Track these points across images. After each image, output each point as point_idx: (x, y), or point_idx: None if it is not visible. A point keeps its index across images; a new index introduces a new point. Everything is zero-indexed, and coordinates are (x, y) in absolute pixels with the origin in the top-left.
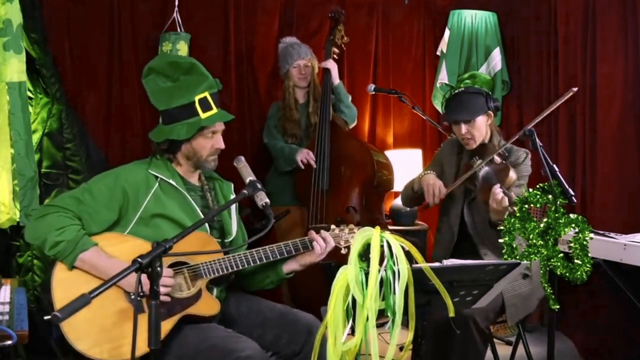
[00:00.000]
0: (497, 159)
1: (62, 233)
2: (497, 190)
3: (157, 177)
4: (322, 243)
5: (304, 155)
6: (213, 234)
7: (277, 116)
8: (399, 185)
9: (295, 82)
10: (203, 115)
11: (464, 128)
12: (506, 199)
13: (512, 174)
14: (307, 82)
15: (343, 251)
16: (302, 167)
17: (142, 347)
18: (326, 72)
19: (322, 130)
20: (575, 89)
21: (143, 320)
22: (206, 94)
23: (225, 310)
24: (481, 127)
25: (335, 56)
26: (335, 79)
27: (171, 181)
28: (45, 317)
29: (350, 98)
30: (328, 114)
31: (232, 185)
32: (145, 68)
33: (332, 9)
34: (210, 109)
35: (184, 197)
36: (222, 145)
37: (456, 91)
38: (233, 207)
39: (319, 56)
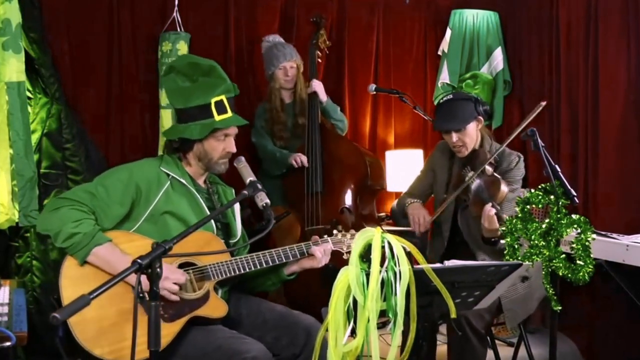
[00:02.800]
0: (489, 169)
1: (78, 225)
2: (489, 209)
3: (168, 175)
4: (319, 254)
5: (297, 158)
6: (218, 235)
7: (264, 117)
8: (392, 185)
9: (281, 84)
10: (218, 118)
11: (455, 136)
12: (495, 220)
13: (504, 188)
14: (292, 84)
15: (345, 256)
16: (296, 166)
17: (146, 350)
18: (313, 94)
19: (311, 133)
20: (543, 103)
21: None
22: (223, 97)
23: None
24: (472, 134)
25: (319, 60)
26: (323, 97)
27: (182, 180)
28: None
29: (338, 109)
30: (317, 119)
31: (234, 190)
32: (167, 66)
33: (313, 14)
34: (226, 112)
35: (194, 196)
36: (233, 149)
37: (445, 99)
38: (237, 210)
39: (304, 60)
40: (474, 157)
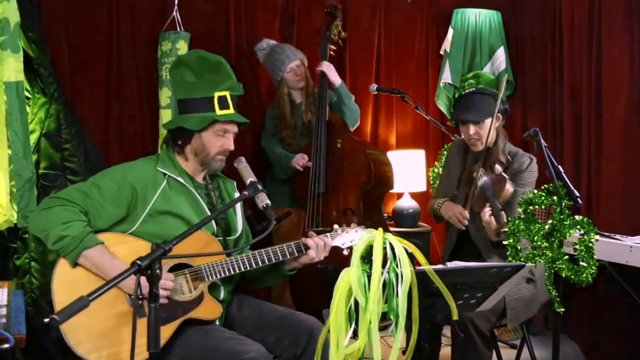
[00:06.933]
0: (498, 168)
1: (67, 228)
2: (486, 210)
3: (165, 174)
4: (312, 254)
5: (298, 161)
6: (218, 232)
7: (274, 122)
8: (400, 186)
9: (292, 86)
10: (219, 112)
11: (472, 129)
12: (494, 222)
13: (509, 187)
14: (304, 82)
15: (345, 252)
16: (301, 169)
17: (143, 352)
18: (322, 75)
19: (318, 132)
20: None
21: (144, 323)
22: (227, 93)
23: (227, 313)
24: (489, 129)
25: (332, 53)
26: (337, 80)
27: (179, 178)
28: (45, 320)
29: (353, 98)
30: (324, 116)
31: (235, 183)
32: (176, 59)
33: (327, 4)
34: (228, 108)
35: (192, 194)
36: (231, 147)
37: (467, 90)
38: (238, 205)
39: (315, 55)
40: (488, 154)
